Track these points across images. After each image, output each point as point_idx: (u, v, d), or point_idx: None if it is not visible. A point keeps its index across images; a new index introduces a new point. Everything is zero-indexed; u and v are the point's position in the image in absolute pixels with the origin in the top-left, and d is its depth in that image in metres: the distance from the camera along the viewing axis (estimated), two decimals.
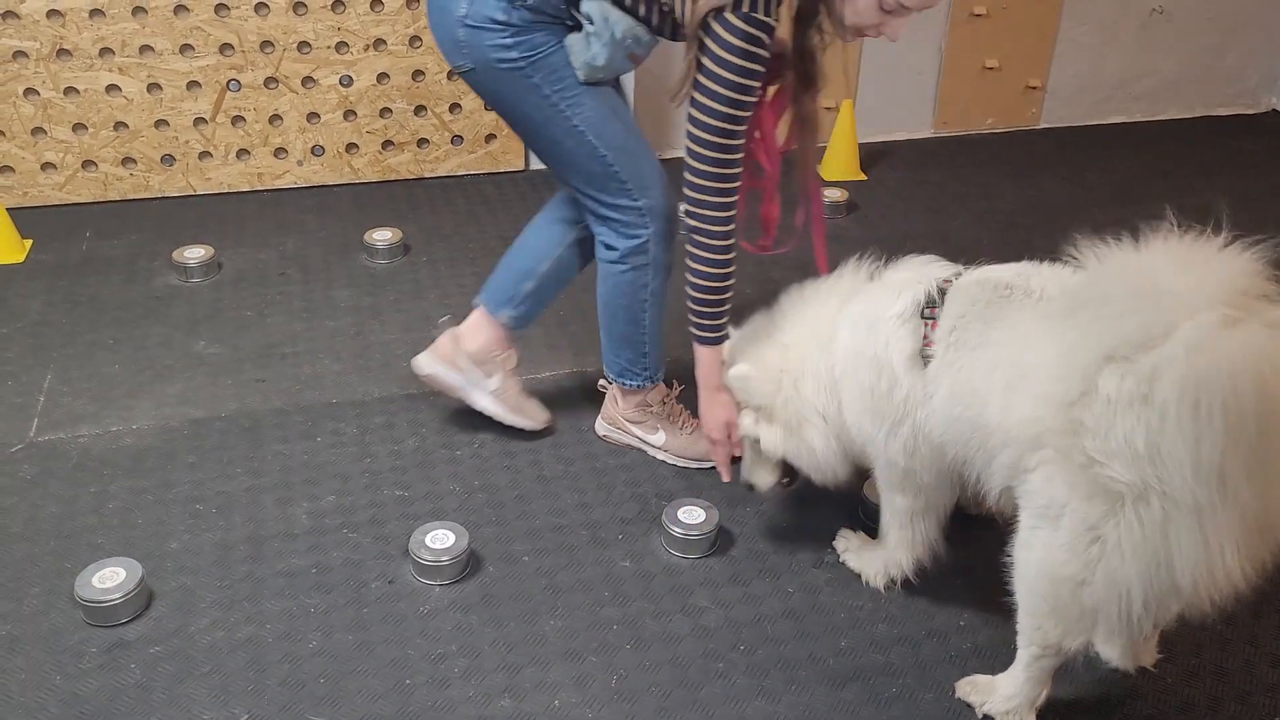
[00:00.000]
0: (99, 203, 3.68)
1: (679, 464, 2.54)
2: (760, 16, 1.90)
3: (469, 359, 2.52)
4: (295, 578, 2.17)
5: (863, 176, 4.09)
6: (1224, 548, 1.50)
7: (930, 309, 1.87)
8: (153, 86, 3.58)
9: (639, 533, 2.33)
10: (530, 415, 2.61)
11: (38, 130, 3.53)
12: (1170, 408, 1.44)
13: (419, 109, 3.87)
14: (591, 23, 2.08)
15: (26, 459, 2.44)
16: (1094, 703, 1.95)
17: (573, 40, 2.11)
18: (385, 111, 3.84)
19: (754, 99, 2.00)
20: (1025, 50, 4.45)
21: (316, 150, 3.84)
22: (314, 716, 1.88)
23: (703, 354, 2.23)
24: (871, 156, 4.21)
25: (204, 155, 3.73)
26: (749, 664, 2.01)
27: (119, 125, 3.60)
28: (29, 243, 3.39)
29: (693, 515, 2.29)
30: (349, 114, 3.80)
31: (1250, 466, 1.44)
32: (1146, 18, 4.55)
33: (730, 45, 1.92)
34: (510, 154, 4.03)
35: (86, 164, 3.62)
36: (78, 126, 3.56)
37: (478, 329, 2.52)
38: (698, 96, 1.98)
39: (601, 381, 2.60)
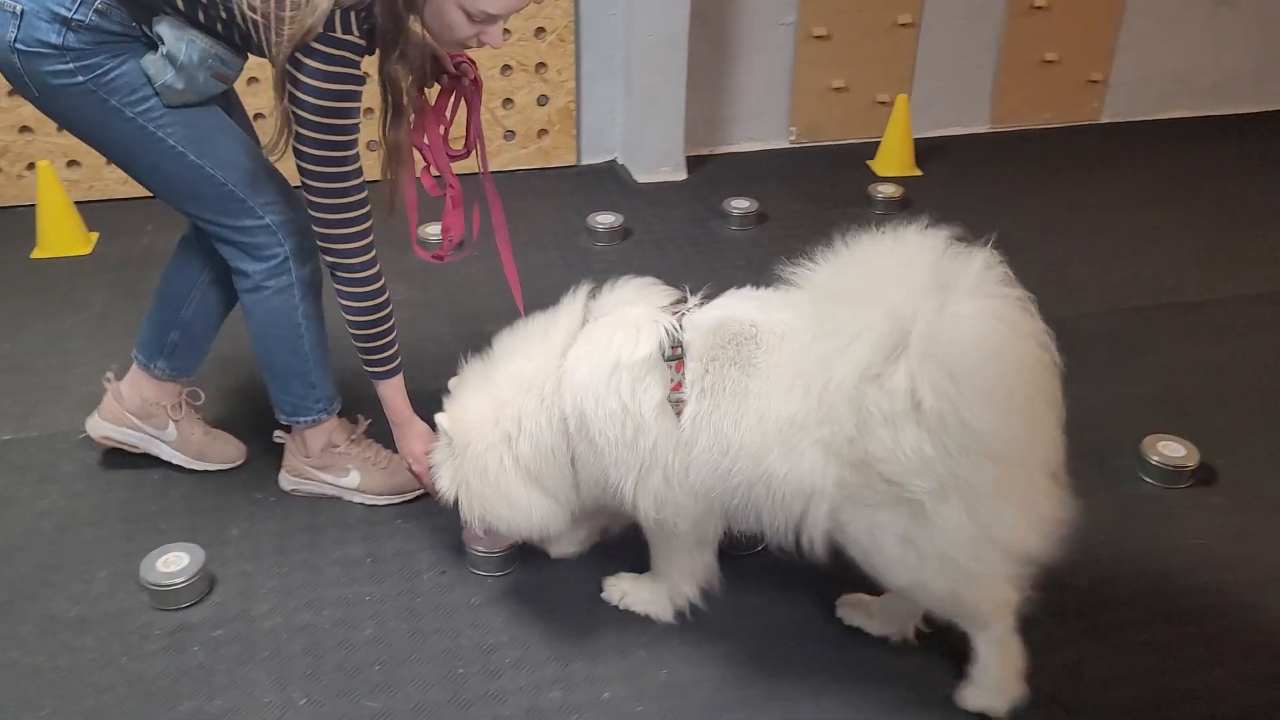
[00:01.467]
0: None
1: (382, 503, 2.37)
2: (342, 36, 1.85)
3: (134, 415, 2.38)
4: (351, 566, 2.21)
5: (917, 172, 4.06)
6: (1031, 506, 1.64)
7: (673, 349, 1.79)
8: None
9: None
10: (217, 457, 2.45)
11: None
12: (941, 402, 1.53)
13: None
14: (164, 44, 1.92)
15: (93, 446, 2.50)
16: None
17: (148, 62, 1.94)
18: None
19: (355, 120, 1.95)
20: (1086, 43, 4.38)
21: (371, 145, 3.88)
22: (369, 702, 1.92)
23: (382, 390, 2.20)
24: (927, 152, 4.17)
25: None
26: (802, 662, 2.01)
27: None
28: (95, 235, 3.48)
29: None
30: None
31: (1029, 422, 1.57)
32: (1211, 9, 4.45)
33: (320, 72, 1.86)
34: (561, 149, 4.06)
35: None
36: None
37: (135, 384, 2.38)
38: (301, 131, 1.91)
39: (277, 432, 2.38)
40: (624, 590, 2.12)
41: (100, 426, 2.40)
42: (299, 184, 2.03)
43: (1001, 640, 1.82)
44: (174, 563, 2.12)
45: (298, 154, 1.96)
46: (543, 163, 4.06)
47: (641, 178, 3.97)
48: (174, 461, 2.43)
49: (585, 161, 4.10)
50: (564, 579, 2.19)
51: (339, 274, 2.06)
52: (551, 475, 1.92)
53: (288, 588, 2.16)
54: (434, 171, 2.23)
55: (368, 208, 2.04)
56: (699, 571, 2.03)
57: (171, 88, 1.96)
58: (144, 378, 2.38)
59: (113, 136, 2.02)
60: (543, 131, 4.01)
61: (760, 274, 3.27)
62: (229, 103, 2.19)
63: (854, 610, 2.07)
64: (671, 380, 1.78)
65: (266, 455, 2.47)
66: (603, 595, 2.13)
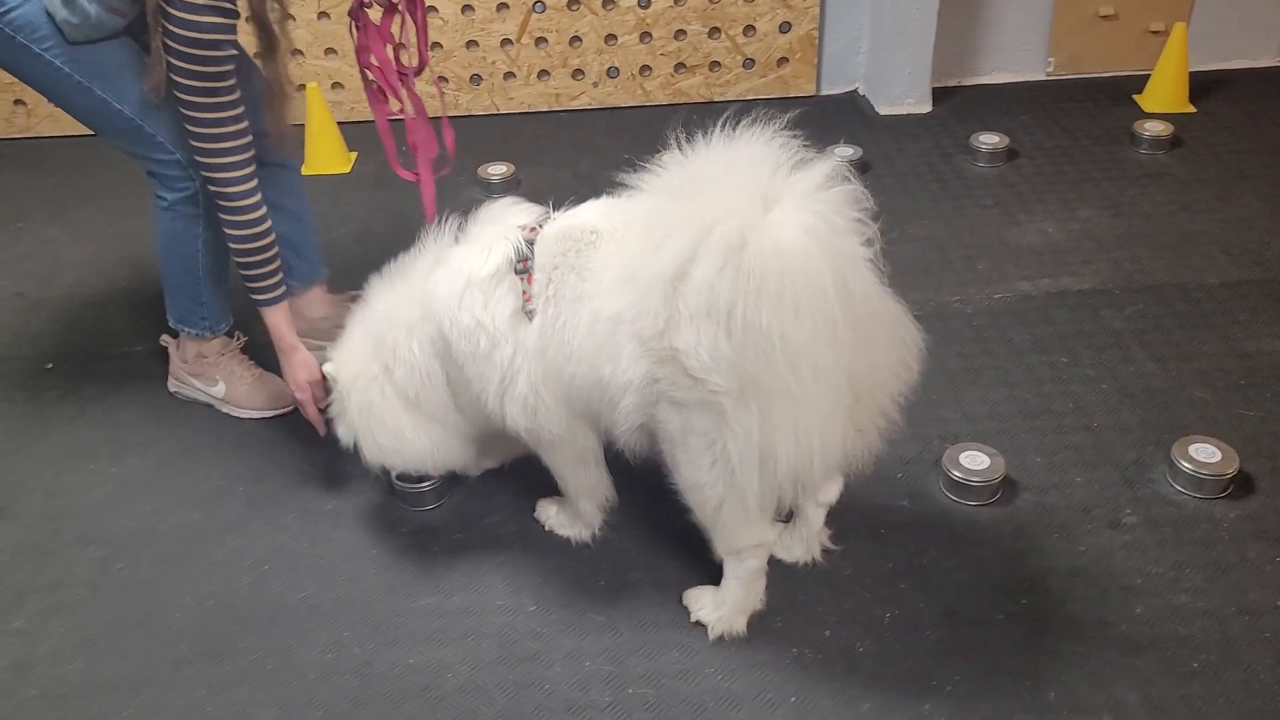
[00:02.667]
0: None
1: (248, 415, 2.49)
2: None
3: (188, 375, 2.55)
4: None
5: (1191, 109, 3.72)
6: (828, 421, 1.64)
7: (523, 263, 1.82)
8: (466, 8, 3.76)
9: (919, 473, 2.27)
10: (265, 403, 2.53)
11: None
12: (739, 304, 1.54)
13: (713, 31, 3.85)
14: None
15: None
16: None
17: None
18: (680, 34, 3.85)
19: (228, 53, 1.98)
20: None
21: (612, 72, 3.92)
22: (594, 615, 1.98)
23: (266, 316, 2.24)
24: (1204, 86, 3.81)
25: (508, 75, 3.89)
26: (1032, 619, 1.93)
27: (434, 45, 3.81)
28: (354, 155, 3.68)
29: (977, 461, 2.21)
30: (645, 36, 3.85)
31: (829, 340, 1.58)
32: None
33: (191, 5, 1.89)
34: (801, 78, 3.96)
35: None
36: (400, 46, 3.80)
37: (182, 346, 2.54)
38: (175, 63, 1.96)
39: (164, 336, 2.58)
40: (549, 514, 2.20)
41: (173, 384, 2.61)
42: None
43: (748, 578, 1.88)
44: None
45: (173, 86, 2.01)
46: (781, 92, 3.98)
47: (884, 109, 3.83)
48: (235, 414, 2.54)
49: (825, 92, 3.99)
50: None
51: (220, 203, 2.13)
52: (430, 400, 2.01)
53: (523, 498, 2.24)
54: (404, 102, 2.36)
55: (248, 139, 2.10)
56: (593, 489, 2.07)
57: (69, 23, 2.02)
58: (188, 340, 2.53)
59: (28, 73, 2.12)
60: (783, 60, 3.92)
61: (1009, 214, 3.16)
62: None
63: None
64: (523, 292, 1.82)
65: None
66: (535, 516, 2.21)
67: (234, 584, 2.09)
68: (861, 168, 3.44)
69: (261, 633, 1.99)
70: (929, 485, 2.24)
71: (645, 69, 3.91)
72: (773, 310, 1.55)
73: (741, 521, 1.79)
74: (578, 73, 3.91)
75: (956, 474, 2.19)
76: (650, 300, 1.65)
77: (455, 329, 1.89)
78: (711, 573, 1.95)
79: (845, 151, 3.44)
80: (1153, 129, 3.49)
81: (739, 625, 1.92)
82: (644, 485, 1.99)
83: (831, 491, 1.99)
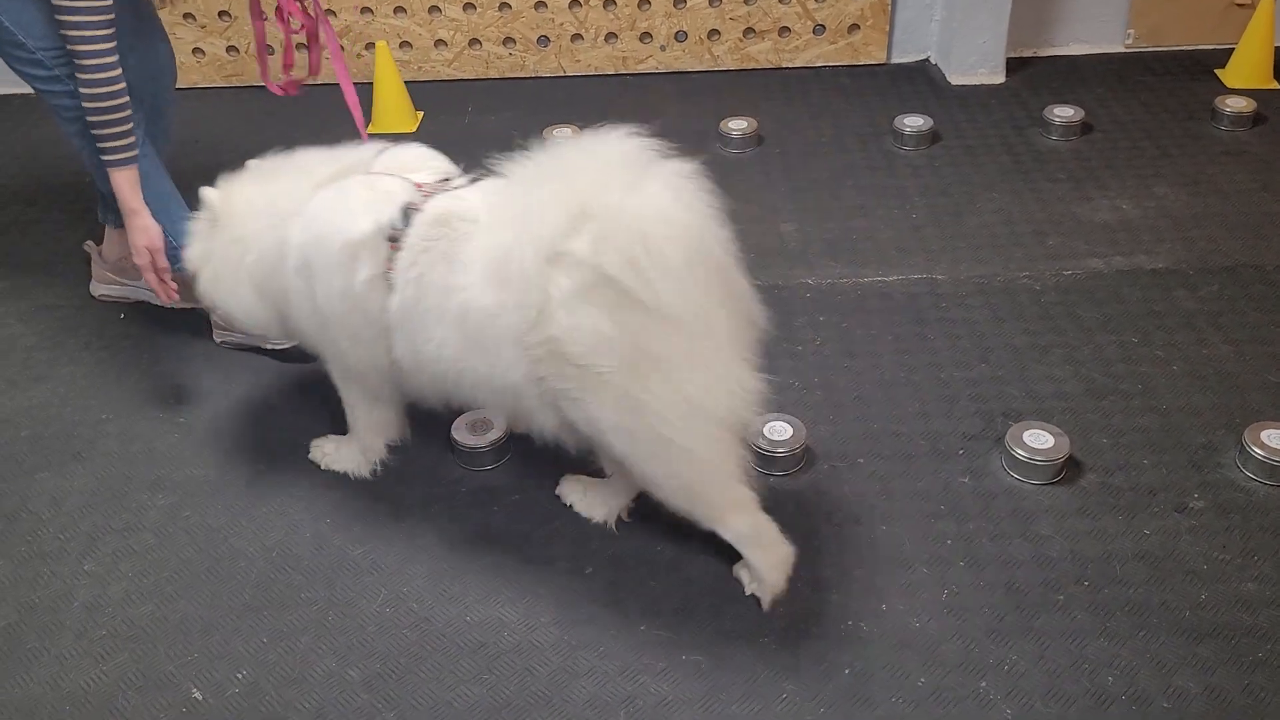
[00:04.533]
0: (480, 79, 3.93)
1: (179, 305, 2.58)
2: None
3: (111, 273, 2.77)
4: None
5: (1275, 85, 3.60)
6: (725, 374, 1.68)
7: (394, 230, 1.83)
8: None
9: (980, 450, 2.25)
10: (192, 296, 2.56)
11: (434, 9, 3.80)
12: (621, 274, 1.56)
13: None
14: None
15: None
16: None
17: None
18: None
19: None
20: None
21: (680, 36, 3.88)
22: (652, 582, 2.00)
23: (112, 175, 2.26)
24: None
25: (575, 38, 3.87)
26: (1092, 601, 1.91)
27: (503, 6, 3.80)
28: (420, 114, 3.70)
29: (1040, 440, 2.18)
30: None
31: (710, 296, 1.63)
32: None
33: None
34: (872, 45, 3.89)
35: (473, 42, 3.87)
36: (467, 6, 3.80)
37: (110, 243, 2.75)
38: None
39: (87, 242, 2.84)
40: (326, 452, 2.26)
41: (95, 288, 2.81)
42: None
43: (750, 537, 1.87)
44: (481, 427, 2.28)
45: None
46: (851, 59, 3.92)
47: (956, 79, 3.76)
48: (155, 303, 2.71)
49: (895, 60, 3.92)
50: (846, 487, 2.18)
51: (78, 61, 2.16)
52: (272, 292, 2.03)
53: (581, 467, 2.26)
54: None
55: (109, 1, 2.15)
56: (385, 425, 2.17)
57: None
58: (113, 235, 2.72)
59: None
60: (854, 27, 3.86)
61: (1081, 189, 3.09)
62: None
63: (570, 488, 2.15)
64: (386, 260, 1.83)
65: None
66: (309, 457, 2.28)
67: (297, 535, 2.13)
68: (931, 138, 3.39)
69: (324, 584, 2.03)
70: (990, 463, 2.22)
71: (714, 33, 3.87)
72: (657, 274, 1.57)
73: (708, 487, 1.80)
74: (645, 36, 3.88)
75: (1019, 452, 2.16)
76: (522, 291, 1.66)
77: (310, 265, 1.92)
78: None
79: (915, 121, 3.39)
80: (1234, 105, 3.39)
81: (780, 583, 1.90)
82: None
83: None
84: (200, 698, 1.84)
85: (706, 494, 1.82)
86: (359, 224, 1.85)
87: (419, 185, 1.90)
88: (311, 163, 2.03)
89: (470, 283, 1.75)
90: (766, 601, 1.92)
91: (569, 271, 1.62)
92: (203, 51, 3.90)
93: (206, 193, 2.06)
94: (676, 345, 1.64)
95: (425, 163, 2.00)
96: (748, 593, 1.95)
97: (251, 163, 2.12)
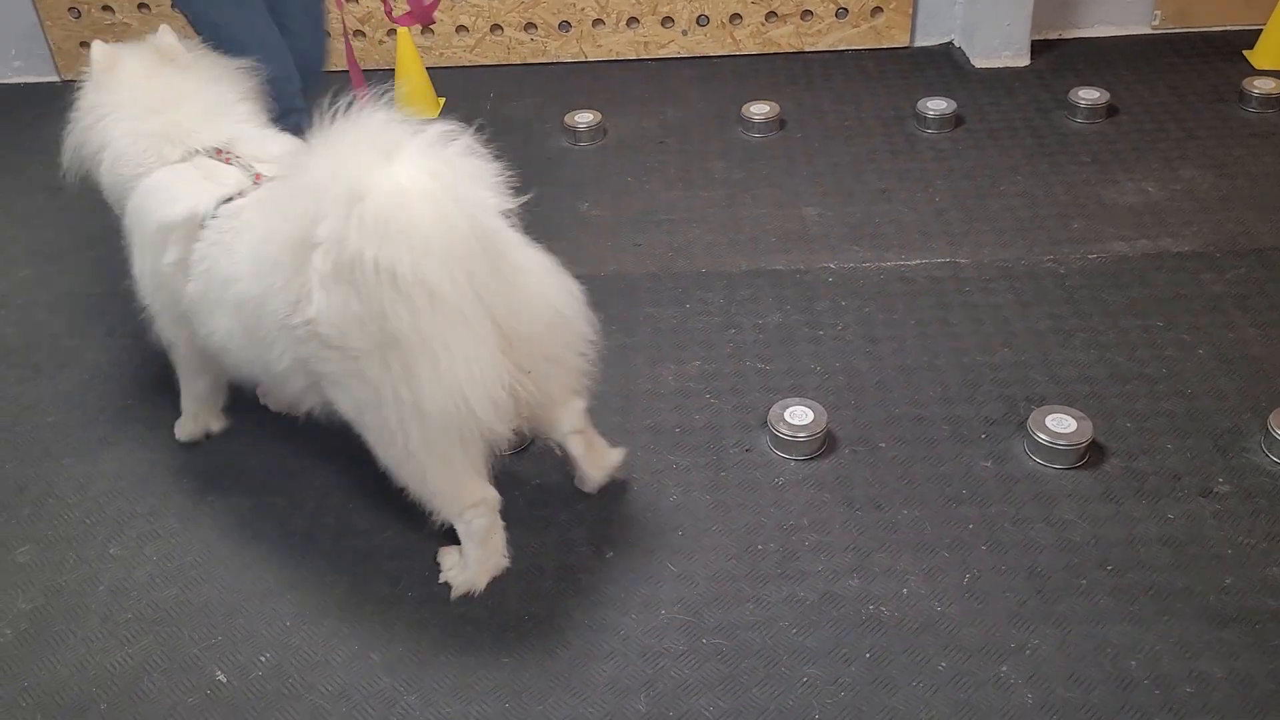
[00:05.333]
0: (502, 65, 3.93)
1: None
2: None
3: None
4: (660, 434, 2.29)
5: None
6: (474, 363, 1.63)
7: (204, 219, 1.89)
8: None
9: (1003, 434, 2.23)
10: None
11: None
12: (366, 253, 1.54)
13: None
14: None
15: None
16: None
17: None
18: None
19: None
20: None
21: (701, 20, 3.86)
22: (671, 565, 2.00)
23: None
24: None
25: (597, 23, 3.86)
26: (1115, 586, 1.90)
27: None
28: (442, 100, 3.70)
29: (1063, 424, 2.17)
30: None
31: (463, 284, 1.57)
32: None
33: None
34: (895, 29, 3.86)
35: (494, 28, 3.87)
36: None
37: None
38: None
39: None
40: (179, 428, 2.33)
41: None
42: None
43: (478, 535, 1.89)
44: None
45: None
46: (874, 43, 3.89)
47: (979, 62, 3.72)
48: None
49: (919, 43, 3.89)
50: (868, 471, 2.17)
51: None
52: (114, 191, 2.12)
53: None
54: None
55: None
56: (204, 395, 2.25)
57: None
58: None
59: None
60: (877, 10, 3.82)
61: (1107, 172, 3.06)
62: None
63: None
64: (191, 248, 1.90)
65: None
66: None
67: (320, 520, 2.15)
68: (954, 122, 3.36)
69: (347, 568, 2.04)
70: (1013, 447, 2.20)
71: (735, 17, 3.84)
72: (401, 255, 1.55)
73: (446, 482, 1.81)
74: (667, 20, 3.86)
75: (1042, 436, 2.15)
76: (281, 276, 1.68)
77: (135, 235, 2.03)
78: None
79: (938, 104, 3.36)
80: (1263, 87, 3.34)
81: (480, 583, 1.94)
82: (730, 447, 1.99)
83: (572, 419, 2.01)
84: (224, 680, 1.85)
85: (442, 490, 1.83)
86: (176, 209, 1.94)
87: (258, 177, 1.94)
88: (215, 98, 2.11)
89: (241, 274, 1.82)
90: (458, 592, 1.94)
91: (324, 253, 1.62)
92: None
93: (97, 45, 2.12)
94: (422, 328, 1.61)
95: (286, 152, 2.01)
96: (442, 579, 1.97)
97: (164, 28, 2.17)
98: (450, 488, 1.83)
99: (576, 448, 2.06)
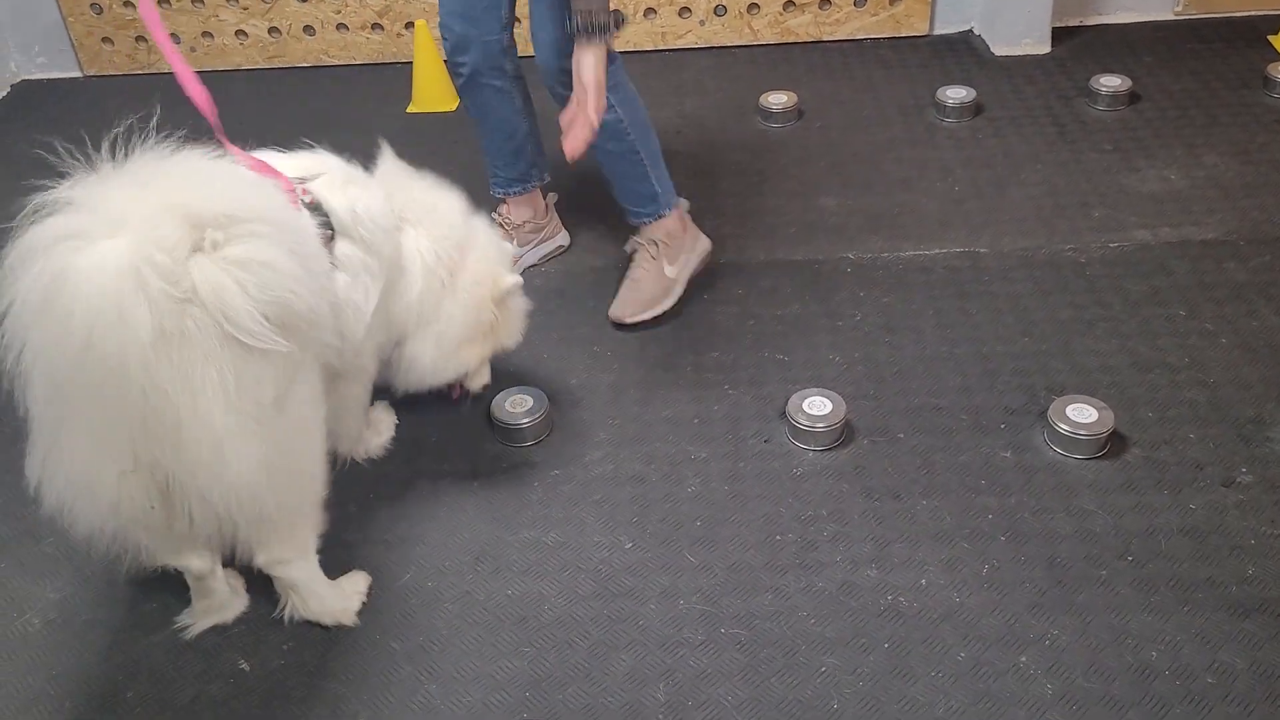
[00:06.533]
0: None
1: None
2: None
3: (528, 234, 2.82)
4: (679, 425, 2.29)
5: None
6: (79, 462, 1.53)
7: None
8: None
9: (1023, 424, 2.23)
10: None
11: None
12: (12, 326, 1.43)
13: None
14: None
15: None
16: None
17: None
18: None
19: None
20: None
21: (719, 10, 3.85)
22: (689, 555, 2.00)
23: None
24: None
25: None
26: (1136, 576, 1.89)
27: None
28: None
29: (1083, 414, 2.16)
30: None
31: (84, 378, 1.43)
32: None
33: None
34: (914, 17, 3.84)
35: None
36: None
37: (515, 210, 2.79)
38: None
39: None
40: None
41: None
42: None
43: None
44: (520, 404, 2.29)
45: None
46: (893, 31, 3.87)
47: (999, 50, 3.70)
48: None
49: (938, 31, 3.86)
50: (886, 461, 2.17)
51: None
52: None
53: (619, 439, 2.27)
54: None
55: None
56: None
57: None
58: (518, 200, 2.79)
59: None
60: None
61: (1129, 160, 3.04)
62: None
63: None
64: None
65: (602, 301, 2.59)
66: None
67: (341, 510, 2.16)
68: (974, 110, 3.34)
69: (365, 559, 2.06)
70: (1033, 437, 2.19)
71: (753, 7, 3.83)
72: (42, 340, 1.44)
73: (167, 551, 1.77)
74: (684, 10, 3.85)
75: (1063, 426, 2.14)
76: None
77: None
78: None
79: (958, 93, 3.34)
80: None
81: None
82: (749, 437, 1.98)
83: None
84: (247, 668, 1.88)
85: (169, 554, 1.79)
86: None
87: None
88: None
89: None
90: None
91: None
92: (245, 34, 3.93)
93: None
94: (45, 412, 1.52)
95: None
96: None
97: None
98: (169, 554, 1.80)
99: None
